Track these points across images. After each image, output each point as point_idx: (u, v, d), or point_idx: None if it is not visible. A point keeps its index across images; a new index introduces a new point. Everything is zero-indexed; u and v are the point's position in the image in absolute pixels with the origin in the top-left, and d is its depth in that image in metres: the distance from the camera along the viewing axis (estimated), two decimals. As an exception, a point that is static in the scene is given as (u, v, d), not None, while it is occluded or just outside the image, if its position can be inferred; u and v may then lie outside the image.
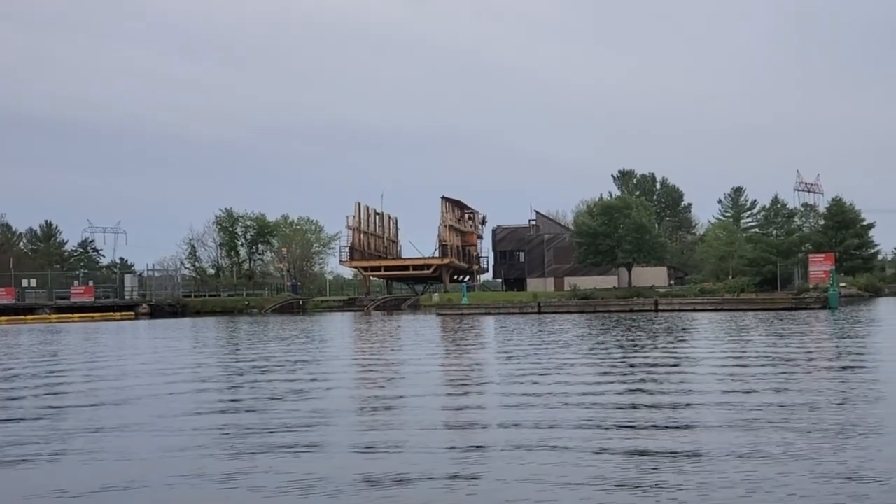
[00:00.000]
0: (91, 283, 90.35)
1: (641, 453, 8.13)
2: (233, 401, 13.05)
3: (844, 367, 15.82)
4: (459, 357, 20.86)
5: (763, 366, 16.41)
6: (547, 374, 15.81)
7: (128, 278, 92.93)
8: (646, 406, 11.19)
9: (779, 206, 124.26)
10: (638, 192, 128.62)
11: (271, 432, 9.83)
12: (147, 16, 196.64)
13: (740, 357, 18.51)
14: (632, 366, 17.06)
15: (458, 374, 16.65)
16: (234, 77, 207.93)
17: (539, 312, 59.04)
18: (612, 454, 8.14)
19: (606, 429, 9.52)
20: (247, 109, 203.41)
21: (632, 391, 12.89)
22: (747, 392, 12.38)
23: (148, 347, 29.16)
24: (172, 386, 15.51)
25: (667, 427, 9.56)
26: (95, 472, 8.08)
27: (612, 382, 14.17)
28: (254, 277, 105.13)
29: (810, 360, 17.55)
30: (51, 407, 12.83)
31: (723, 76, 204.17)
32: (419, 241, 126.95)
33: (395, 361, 19.90)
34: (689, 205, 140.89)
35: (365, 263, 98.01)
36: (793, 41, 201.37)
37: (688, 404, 11.32)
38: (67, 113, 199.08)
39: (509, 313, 59.22)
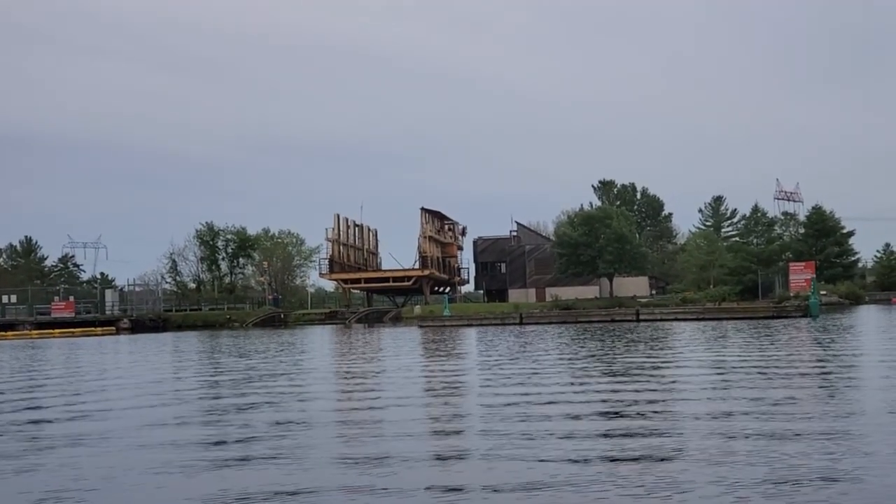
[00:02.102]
0: (71, 298, 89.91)
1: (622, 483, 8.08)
2: (214, 442, 12.92)
3: (827, 383, 15.81)
4: (441, 382, 20.78)
5: (746, 386, 16.38)
6: (532, 401, 15.73)
7: (108, 293, 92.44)
8: (631, 436, 11.14)
9: (759, 214, 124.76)
10: (618, 203, 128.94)
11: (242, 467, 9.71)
12: (125, 31, 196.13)
13: (722, 371, 18.49)
14: (615, 391, 17.02)
15: (440, 405, 16.52)
16: (212, 92, 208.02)
17: (521, 324, 59.10)
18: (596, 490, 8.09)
19: (589, 462, 9.45)
20: (226, 124, 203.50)
21: (615, 416, 12.84)
22: (730, 416, 12.34)
23: (128, 364, 28.93)
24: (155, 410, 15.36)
25: (653, 459, 9.50)
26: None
27: (595, 404, 14.12)
28: (235, 291, 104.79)
29: (792, 373, 17.54)
30: (30, 438, 12.67)
31: (701, 86, 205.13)
32: (399, 253, 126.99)
33: (376, 390, 19.78)
34: (670, 214, 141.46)
35: (345, 276, 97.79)
36: (771, 50, 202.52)
37: (677, 433, 11.26)
38: (46, 129, 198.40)
39: (491, 325, 59.26)
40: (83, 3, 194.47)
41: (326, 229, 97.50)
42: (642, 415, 12.47)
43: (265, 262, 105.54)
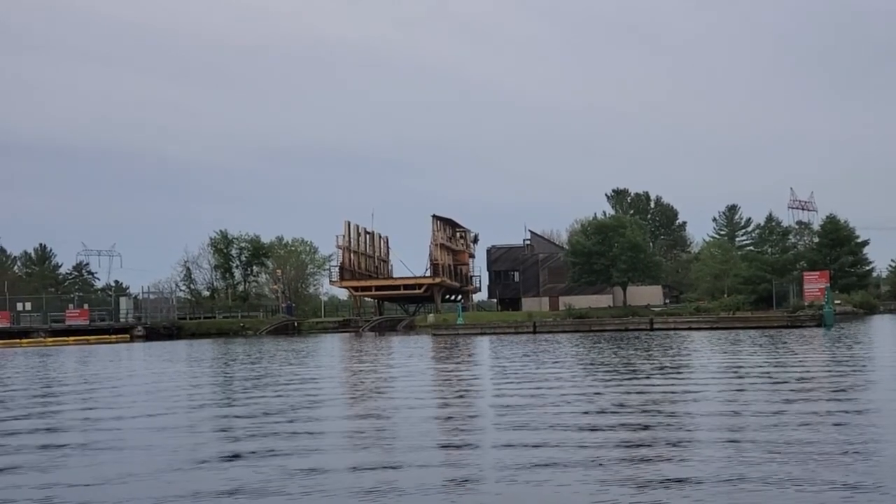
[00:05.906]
0: (86, 305, 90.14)
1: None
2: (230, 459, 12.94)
3: (841, 397, 15.74)
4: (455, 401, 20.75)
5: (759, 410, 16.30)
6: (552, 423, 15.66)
7: (123, 301, 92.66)
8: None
9: (773, 224, 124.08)
10: (632, 212, 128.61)
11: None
12: (135, 39, 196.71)
13: (738, 389, 18.42)
14: (625, 403, 16.96)
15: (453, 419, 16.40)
16: (225, 101, 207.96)
17: (534, 332, 59.09)
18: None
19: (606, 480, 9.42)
20: (240, 132, 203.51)
21: (630, 436, 12.80)
22: (746, 460, 12.29)
23: (144, 370, 28.99)
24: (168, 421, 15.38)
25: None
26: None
27: (613, 424, 14.09)
28: (249, 299, 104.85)
29: (805, 384, 17.48)
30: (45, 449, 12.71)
31: (716, 95, 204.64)
32: (410, 261, 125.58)
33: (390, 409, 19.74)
34: (684, 223, 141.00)
35: (355, 283, 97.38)
36: (785, 59, 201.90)
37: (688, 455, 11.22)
38: (60, 136, 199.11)
39: (505, 333, 59.25)
40: (96, 14, 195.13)
41: (337, 236, 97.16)
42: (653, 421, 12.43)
43: (278, 271, 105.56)
